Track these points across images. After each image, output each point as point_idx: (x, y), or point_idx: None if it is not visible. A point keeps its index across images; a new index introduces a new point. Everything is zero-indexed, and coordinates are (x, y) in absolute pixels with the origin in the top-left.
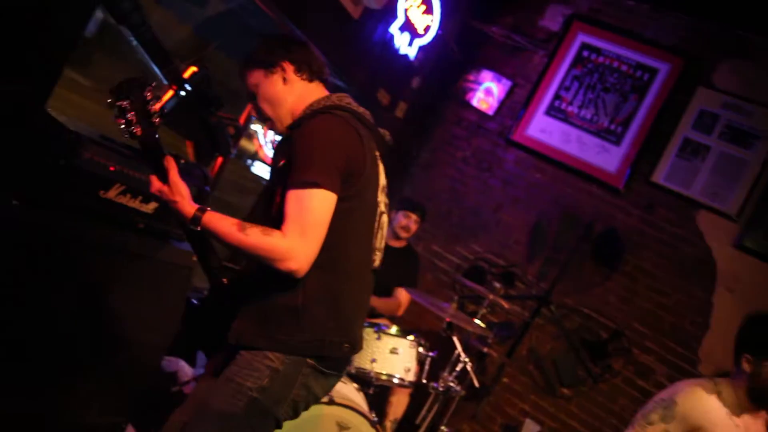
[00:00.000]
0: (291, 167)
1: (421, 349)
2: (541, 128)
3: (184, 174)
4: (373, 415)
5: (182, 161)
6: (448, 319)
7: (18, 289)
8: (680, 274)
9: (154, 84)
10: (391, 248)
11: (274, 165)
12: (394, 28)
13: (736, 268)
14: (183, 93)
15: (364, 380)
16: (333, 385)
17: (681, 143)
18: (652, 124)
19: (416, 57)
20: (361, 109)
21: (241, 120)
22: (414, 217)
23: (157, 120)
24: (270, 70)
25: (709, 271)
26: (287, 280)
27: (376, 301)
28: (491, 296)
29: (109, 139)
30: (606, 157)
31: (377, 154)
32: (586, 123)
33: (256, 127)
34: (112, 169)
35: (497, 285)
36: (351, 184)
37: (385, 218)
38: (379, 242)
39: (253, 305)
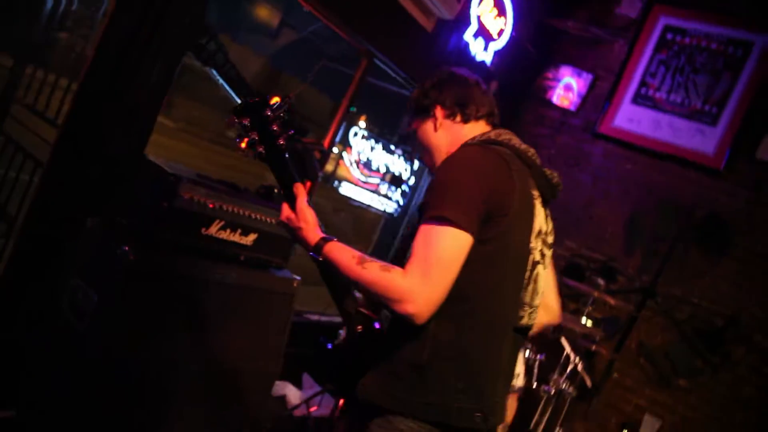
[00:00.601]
0: (426, 203)
1: (528, 353)
2: (629, 118)
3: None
4: None
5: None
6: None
7: (135, 328)
8: None
9: (275, 103)
10: None
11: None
12: (468, 36)
13: None
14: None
15: None
16: None
17: None
18: (751, 99)
19: (492, 62)
20: (524, 146)
21: (326, 144)
22: None
23: (282, 141)
24: (423, 117)
25: None
26: (415, 331)
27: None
28: (596, 293)
29: (204, 176)
30: (702, 140)
31: (535, 194)
32: (677, 107)
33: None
34: (211, 206)
35: (600, 281)
36: (493, 225)
37: (540, 270)
38: (530, 297)
39: (382, 358)
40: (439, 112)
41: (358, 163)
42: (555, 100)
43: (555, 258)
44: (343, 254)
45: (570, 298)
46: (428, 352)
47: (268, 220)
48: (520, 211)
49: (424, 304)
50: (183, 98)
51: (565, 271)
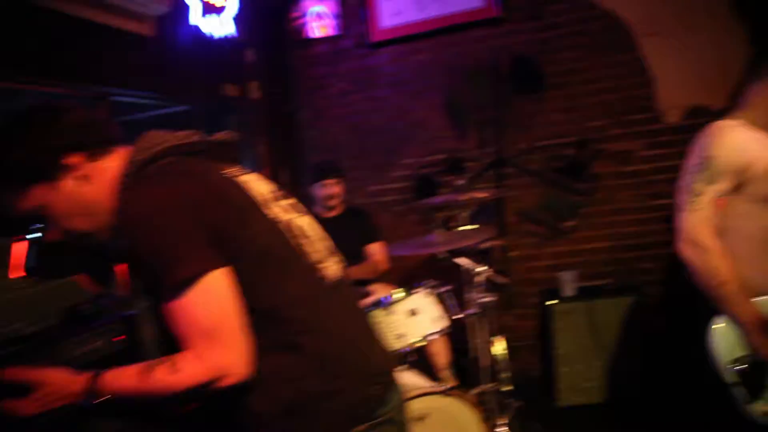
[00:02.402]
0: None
1: (436, 291)
2: (393, 12)
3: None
4: (438, 384)
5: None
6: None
7: None
8: (601, 52)
9: None
10: (332, 219)
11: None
12: (196, 18)
13: (645, 12)
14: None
15: (404, 360)
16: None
17: None
18: None
19: (238, 31)
20: (179, 136)
21: None
22: (331, 181)
23: None
24: (52, 179)
25: (623, 31)
26: (253, 385)
27: (354, 271)
28: (462, 197)
29: None
30: None
31: (230, 171)
32: None
33: None
34: None
35: (458, 181)
36: (231, 238)
37: (298, 222)
38: (315, 250)
39: None
40: (76, 158)
41: None
42: (315, 33)
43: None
44: (123, 376)
45: (439, 211)
46: (277, 392)
47: None
48: (241, 205)
49: (242, 364)
50: None
51: (418, 191)
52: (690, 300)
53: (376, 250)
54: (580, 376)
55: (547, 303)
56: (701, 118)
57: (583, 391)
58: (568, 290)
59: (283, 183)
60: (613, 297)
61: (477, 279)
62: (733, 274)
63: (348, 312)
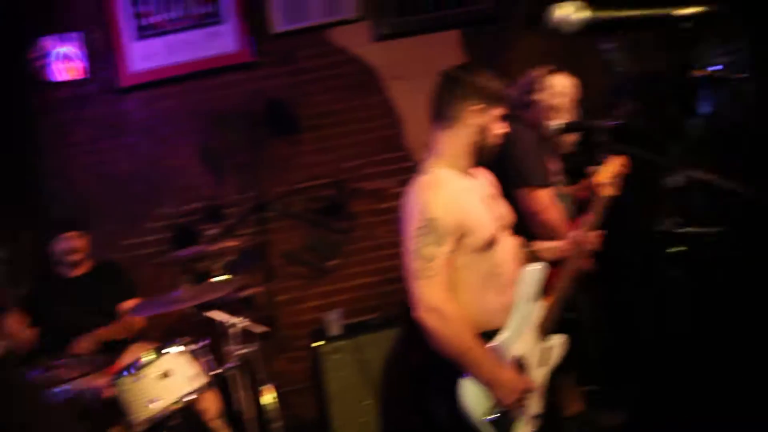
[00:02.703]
0: None
1: (190, 348)
2: (143, 55)
3: None
4: None
5: None
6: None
7: None
8: (352, 94)
9: None
10: (79, 278)
11: None
12: None
13: (390, 57)
14: None
15: (162, 425)
16: None
17: None
18: None
19: None
20: None
21: None
22: (70, 234)
23: None
24: None
25: (372, 75)
26: None
27: (104, 333)
28: (216, 246)
29: None
30: (220, 41)
31: None
32: (180, 23)
33: None
34: None
35: (212, 230)
36: None
37: None
38: None
39: None
40: None
41: None
42: (60, 76)
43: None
44: None
45: (200, 261)
46: None
47: None
48: None
49: None
50: None
51: (175, 241)
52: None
53: (128, 306)
54: (353, 413)
55: (314, 345)
56: None
57: (359, 427)
58: (335, 329)
59: (25, 245)
60: (379, 331)
61: (232, 331)
62: (474, 336)
63: None
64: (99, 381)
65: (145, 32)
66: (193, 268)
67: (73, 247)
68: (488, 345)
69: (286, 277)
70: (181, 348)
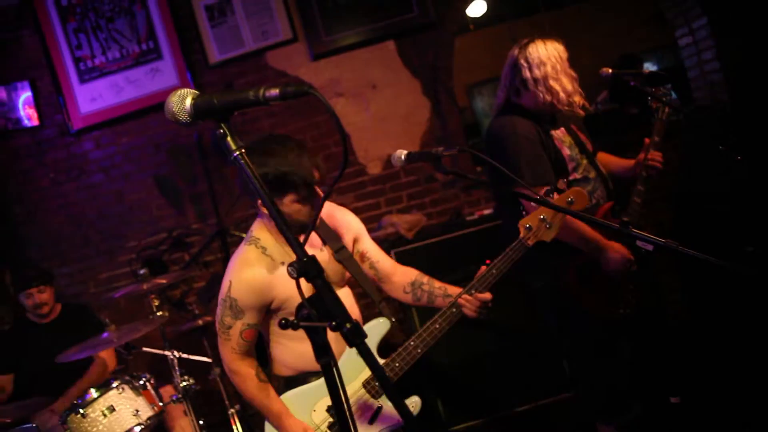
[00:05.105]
0: None
1: (133, 384)
2: (90, 98)
3: None
4: None
5: None
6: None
7: None
8: (298, 115)
9: None
10: (49, 324)
11: None
12: None
13: (329, 75)
14: None
15: None
16: None
17: (207, 14)
18: (172, 17)
19: None
20: None
21: None
22: (34, 290)
23: None
24: None
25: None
26: None
27: (81, 383)
28: (185, 274)
29: None
30: (162, 76)
31: None
32: (121, 62)
33: None
34: None
35: (172, 260)
36: None
37: None
38: None
39: None
40: None
41: None
42: (11, 125)
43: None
44: None
45: (170, 290)
46: None
47: None
48: None
49: None
50: None
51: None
52: None
53: (103, 354)
54: None
55: None
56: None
57: None
58: None
59: (5, 287)
60: None
61: (175, 364)
62: (274, 397)
63: None
64: (50, 420)
65: (88, 75)
66: (167, 297)
67: (39, 301)
68: (289, 392)
69: None
70: (124, 384)
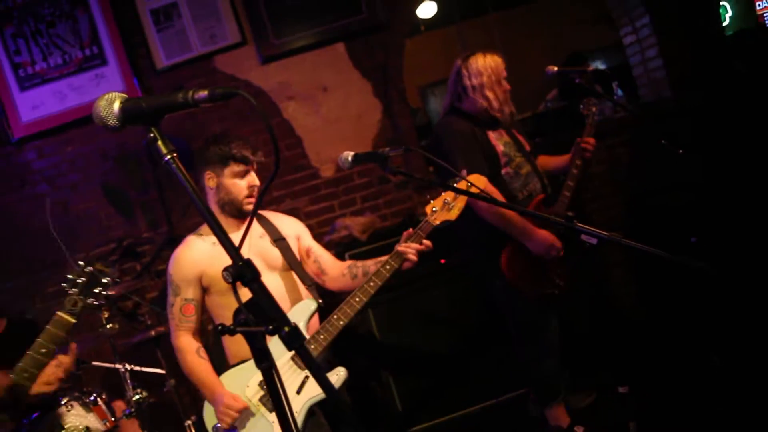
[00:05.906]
0: None
1: (83, 400)
2: (32, 105)
3: None
4: None
5: None
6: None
7: None
8: (249, 120)
9: None
10: None
11: None
12: None
13: (280, 78)
14: None
15: None
16: None
17: (152, 18)
18: (116, 21)
19: None
20: None
21: None
22: None
23: None
24: None
25: (265, 98)
26: None
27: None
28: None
29: None
30: (107, 83)
31: None
32: (64, 68)
33: None
34: None
35: (122, 270)
36: None
37: None
38: None
39: None
40: None
41: None
42: None
43: None
44: None
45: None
46: None
47: None
48: None
49: None
50: None
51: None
52: None
53: (57, 360)
54: None
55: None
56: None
57: None
58: None
59: None
60: None
61: (126, 376)
62: (209, 371)
63: None
64: None
65: (29, 82)
66: (118, 308)
67: None
68: (225, 372)
69: None
70: (74, 401)
